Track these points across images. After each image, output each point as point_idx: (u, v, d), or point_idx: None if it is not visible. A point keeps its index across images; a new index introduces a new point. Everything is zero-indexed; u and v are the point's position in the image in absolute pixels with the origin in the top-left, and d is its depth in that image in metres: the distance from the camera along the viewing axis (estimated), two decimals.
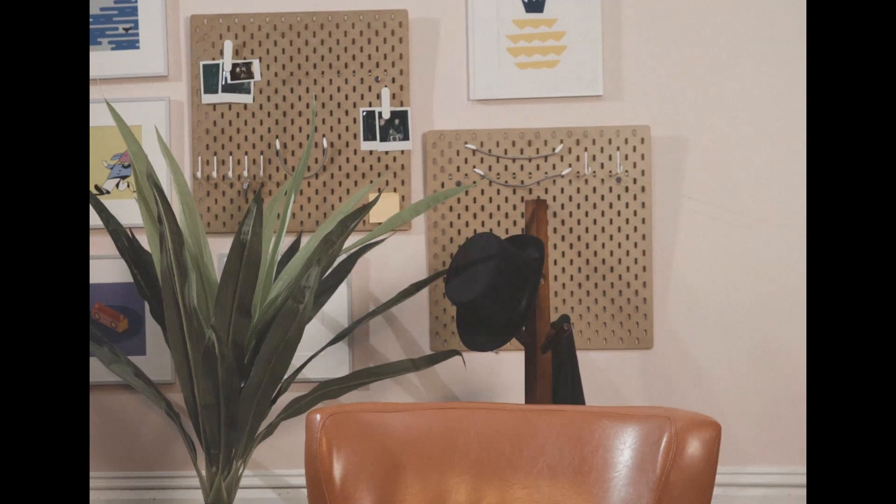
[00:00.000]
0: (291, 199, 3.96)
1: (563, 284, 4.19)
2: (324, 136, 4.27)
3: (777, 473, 4.19)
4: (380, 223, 4.13)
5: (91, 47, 4.31)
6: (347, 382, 3.98)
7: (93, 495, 4.30)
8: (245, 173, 4.27)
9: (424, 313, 4.27)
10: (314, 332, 4.19)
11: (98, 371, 4.28)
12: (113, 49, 4.30)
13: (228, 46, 4.28)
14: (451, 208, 4.24)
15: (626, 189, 4.17)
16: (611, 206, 4.17)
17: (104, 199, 4.24)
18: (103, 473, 4.32)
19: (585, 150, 4.19)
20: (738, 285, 4.19)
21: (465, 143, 4.22)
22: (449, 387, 4.25)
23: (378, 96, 4.26)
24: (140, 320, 4.31)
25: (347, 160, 4.27)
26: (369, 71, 4.26)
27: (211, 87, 4.28)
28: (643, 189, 4.17)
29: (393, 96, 4.25)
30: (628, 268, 4.18)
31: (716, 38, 4.19)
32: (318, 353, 4.10)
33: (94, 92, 4.29)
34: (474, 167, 4.22)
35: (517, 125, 4.23)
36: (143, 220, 3.85)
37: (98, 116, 4.27)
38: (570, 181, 4.21)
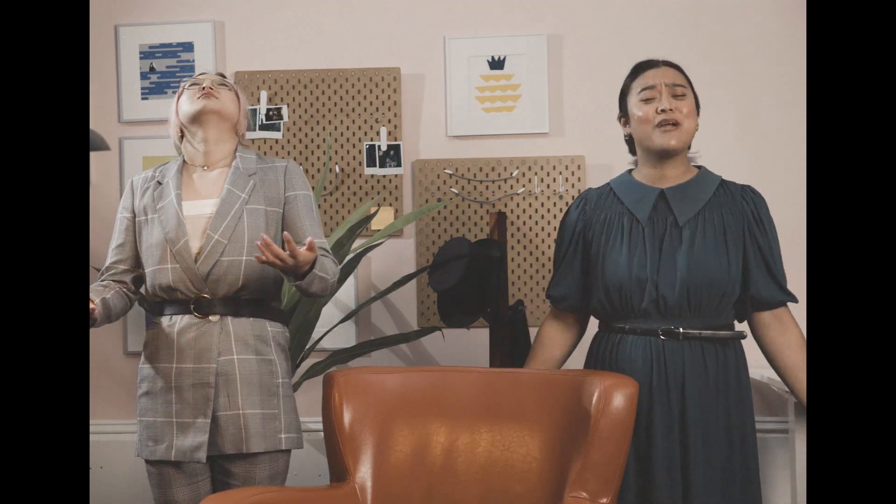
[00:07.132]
0: None
1: (519, 276, 4.19)
2: (336, 163, 4.25)
3: None
4: (379, 230, 4.12)
5: (159, 97, 4.28)
6: (354, 351, 3.96)
7: None
8: None
9: (413, 298, 4.26)
10: (329, 313, 4.17)
11: None
12: None
13: (264, 95, 4.26)
14: (433, 218, 4.23)
15: (567, 204, 4.17)
16: (555, 217, 4.17)
17: None
18: None
19: (535, 174, 4.18)
20: None
21: (444, 168, 4.21)
22: (431, 354, 4.24)
23: (378, 133, 4.24)
24: None
25: (354, 182, 4.26)
26: (371, 114, 4.25)
27: (250, 126, 4.26)
28: None
29: (389, 133, 4.24)
30: None
31: None
32: (331, 329, 4.08)
33: (167, 131, 4.26)
34: (451, 187, 4.21)
35: (484, 155, 4.22)
36: None
37: (168, 149, 4.23)
38: (524, 198, 4.20)
